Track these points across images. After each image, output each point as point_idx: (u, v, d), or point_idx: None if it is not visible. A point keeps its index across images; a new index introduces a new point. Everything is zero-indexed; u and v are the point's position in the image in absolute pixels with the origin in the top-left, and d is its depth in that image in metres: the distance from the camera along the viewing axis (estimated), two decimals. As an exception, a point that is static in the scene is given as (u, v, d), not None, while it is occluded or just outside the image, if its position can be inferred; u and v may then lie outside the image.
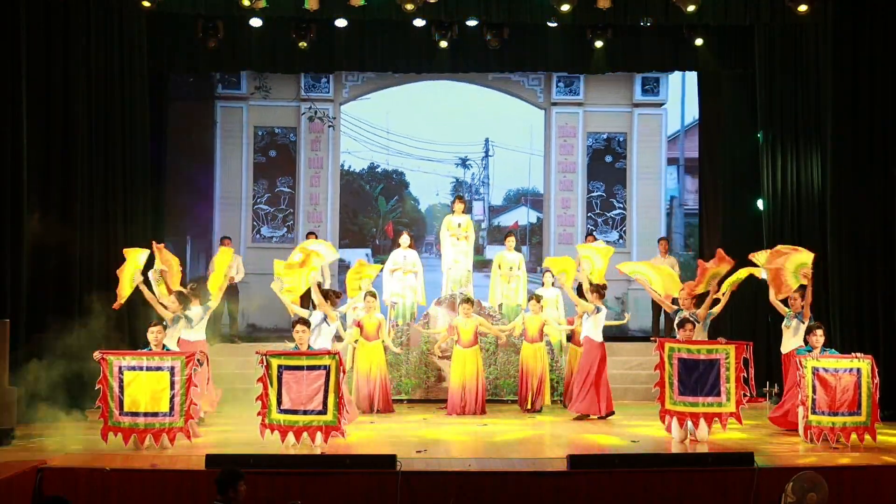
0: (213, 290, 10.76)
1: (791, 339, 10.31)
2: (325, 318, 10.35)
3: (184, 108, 11.19)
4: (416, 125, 10.97)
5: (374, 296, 11.74)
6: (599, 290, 11.41)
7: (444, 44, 13.18)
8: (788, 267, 10.06)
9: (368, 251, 10.54)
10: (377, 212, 11.32)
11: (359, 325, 11.65)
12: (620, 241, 11.48)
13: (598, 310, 11.29)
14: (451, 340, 11.83)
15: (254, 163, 11.07)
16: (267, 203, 11.10)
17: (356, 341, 11.74)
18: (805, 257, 10.10)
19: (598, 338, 11.29)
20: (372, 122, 11.02)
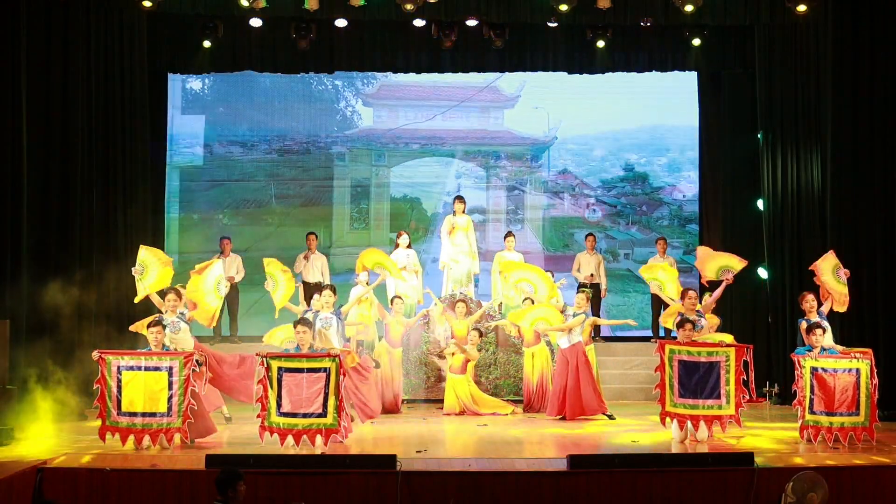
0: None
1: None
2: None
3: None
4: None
5: (401, 299, 12.04)
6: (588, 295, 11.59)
7: (447, 44, 13.18)
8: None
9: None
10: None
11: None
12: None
13: (587, 315, 11.41)
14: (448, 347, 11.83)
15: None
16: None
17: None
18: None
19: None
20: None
